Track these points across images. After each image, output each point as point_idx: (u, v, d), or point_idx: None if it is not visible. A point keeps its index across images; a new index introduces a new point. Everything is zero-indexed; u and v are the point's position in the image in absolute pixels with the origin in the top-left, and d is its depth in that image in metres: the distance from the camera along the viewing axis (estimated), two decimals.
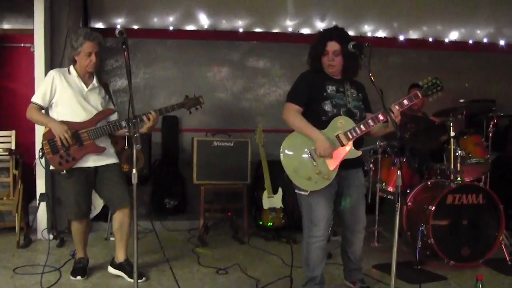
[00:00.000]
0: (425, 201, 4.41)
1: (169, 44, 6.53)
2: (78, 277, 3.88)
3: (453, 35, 6.98)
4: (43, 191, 4.98)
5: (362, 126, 3.25)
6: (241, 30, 6.55)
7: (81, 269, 3.94)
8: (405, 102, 3.31)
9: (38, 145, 4.82)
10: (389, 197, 4.96)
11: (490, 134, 4.92)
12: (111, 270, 4.02)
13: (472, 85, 6.89)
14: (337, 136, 3.25)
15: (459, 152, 4.49)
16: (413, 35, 6.94)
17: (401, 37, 6.90)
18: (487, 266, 4.30)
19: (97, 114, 3.81)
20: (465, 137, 4.77)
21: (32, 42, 5.22)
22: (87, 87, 3.83)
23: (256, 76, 6.75)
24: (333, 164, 3.23)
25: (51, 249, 4.36)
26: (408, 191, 4.71)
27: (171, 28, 6.40)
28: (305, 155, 3.24)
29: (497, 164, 5.40)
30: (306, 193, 3.24)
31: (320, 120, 3.26)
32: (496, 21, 6.92)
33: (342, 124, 3.26)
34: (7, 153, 5.00)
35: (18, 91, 6.18)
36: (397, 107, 3.25)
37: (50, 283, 3.77)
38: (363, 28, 6.75)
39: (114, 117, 3.94)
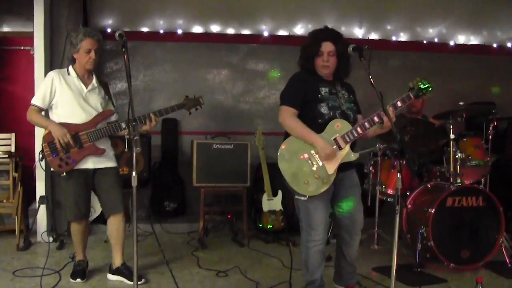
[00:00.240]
0: (425, 203, 4.41)
1: (169, 47, 6.53)
2: (78, 280, 3.88)
3: (455, 38, 6.98)
4: (43, 193, 4.98)
5: (358, 129, 3.23)
6: (241, 32, 6.54)
7: (81, 271, 3.94)
8: (399, 103, 3.31)
9: (37, 148, 4.82)
10: (388, 199, 4.95)
11: (490, 137, 4.91)
12: (110, 276, 4.01)
13: (472, 88, 6.90)
14: (335, 139, 3.22)
15: (459, 154, 4.49)
16: (412, 37, 6.95)
17: (401, 39, 6.90)
18: (487, 269, 4.30)
19: (97, 115, 3.80)
20: (464, 139, 4.76)
21: (32, 45, 5.23)
22: (86, 88, 3.82)
23: (256, 79, 6.75)
24: (332, 168, 3.20)
25: (50, 252, 4.36)
26: (408, 193, 4.71)
27: (171, 31, 6.40)
28: (303, 160, 3.21)
29: (496, 167, 5.41)
30: (305, 198, 3.22)
31: (316, 123, 3.22)
32: (496, 24, 6.94)
33: (339, 127, 3.23)
34: (6, 156, 5.00)
35: (18, 94, 6.18)
36: (391, 108, 3.24)
37: (49, 285, 3.76)
38: (361, 30, 6.75)
39: (114, 118, 3.94)
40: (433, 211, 4.22)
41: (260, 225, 5.32)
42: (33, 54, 5.15)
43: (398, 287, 3.69)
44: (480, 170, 4.83)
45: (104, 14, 6.22)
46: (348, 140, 3.23)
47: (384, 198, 5.01)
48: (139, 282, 3.80)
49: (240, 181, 5.47)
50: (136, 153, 2.88)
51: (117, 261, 3.97)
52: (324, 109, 3.24)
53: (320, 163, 3.19)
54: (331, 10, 6.51)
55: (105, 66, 6.38)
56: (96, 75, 3.92)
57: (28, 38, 5.54)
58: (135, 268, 2.95)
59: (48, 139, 3.68)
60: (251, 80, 6.75)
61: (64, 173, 3.71)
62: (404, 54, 6.89)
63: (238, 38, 6.59)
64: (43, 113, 3.81)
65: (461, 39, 7.01)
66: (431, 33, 6.94)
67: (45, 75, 3.93)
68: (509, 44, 7.11)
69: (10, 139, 5.16)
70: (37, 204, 4.96)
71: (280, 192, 5.29)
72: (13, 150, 5.13)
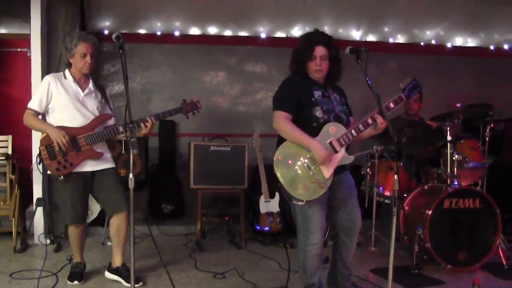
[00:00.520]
0: (422, 205, 4.41)
1: (166, 48, 6.53)
2: (75, 282, 3.87)
3: (452, 40, 7.00)
4: (40, 196, 4.97)
5: (353, 132, 3.22)
6: (238, 34, 6.55)
7: (78, 273, 3.93)
8: (391, 105, 3.31)
9: (35, 150, 4.81)
10: (386, 201, 4.97)
11: (487, 139, 4.93)
12: (108, 275, 4.01)
13: (469, 90, 6.93)
14: (330, 143, 3.21)
15: (456, 156, 4.49)
16: (409, 39, 6.96)
17: (397, 41, 6.92)
18: (484, 270, 4.31)
19: (94, 119, 3.80)
20: (462, 141, 4.77)
21: (29, 47, 5.22)
22: (83, 92, 3.82)
23: (253, 81, 6.76)
24: (328, 172, 3.19)
25: (48, 254, 4.33)
26: (405, 195, 4.72)
27: (168, 33, 6.40)
28: (300, 165, 3.19)
29: (493, 169, 5.42)
30: (303, 203, 3.20)
31: (311, 127, 3.20)
32: (492, 26, 6.97)
33: (333, 130, 3.22)
34: (3, 158, 4.98)
35: (15, 96, 6.18)
36: (384, 110, 3.21)
37: None
38: (358, 32, 6.76)
39: (111, 121, 3.93)
40: (430, 212, 4.23)
41: (258, 227, 5.32)
42: (30, 56, 5.14)
43: None
44: (477, 172, 4.84)
45: (102, 16, 6.22)
46: (344, 143, 3.22)
47: (381, 200, 5.01)
48: (136, 285, 3.79)
49: (237, 183, 5.46)
50: (133, 155, 2.89)
51: (117, 261, 3.96)
52: (318, 112, 3.22)
53: (317, 168, 3.18)
54: (328, 12, 6.53)
55: (102, 68, 6.38)
56: (92, 79, 3.92)
57: (25, 40, 5.53)
58: (132, 270, 2.95)
59: (46, 143, 3.67)
60: (249, 82, 6.75)
61: (62, 177, 3.70)
62: (401, 56, 6.90)
63: (235, 40, 6.60)
64: (40, 117, 3.80)
65: (458, 41, 7.03)
66: (428, 35, 6.96)
67: (42, 77, 3.95)
68: (505, 46, 7.14)
69: (7, 141, 5.14)
70: (34, 206, 4.94)
71: (277, 194, 5.28)
72: (10, 152, 5.10)
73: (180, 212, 6.18)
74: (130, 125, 2.93)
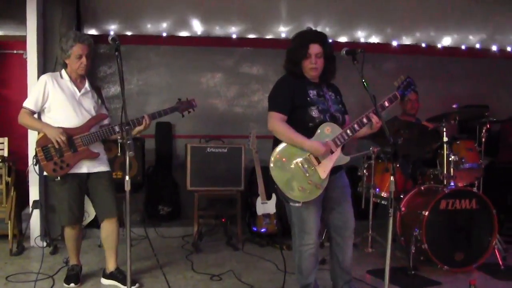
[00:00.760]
0: (418, 206, 4.42)
1: (163, 50, 6.53)
2: (72, 285, 3.86)
3: (446, 41, 7.02)
4: (36, 198, 4.96)
5: (349, 131, 3.20)
6: (234, 36, 6.56)
7: (74, 276, 3.92)
8: (386, 104, 3.30)
9: (31, 152, 4.80)
10: (382, 202, 4.97)
11: (483, 140, 4.94)
12: (103, 281, 3.99)
13: (465, 91, 6.94)
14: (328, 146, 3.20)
15: (452, 157, 4.50)
16: (406, 41, 6.98)
17: (394, 43, 6.93)
18: (480, 271, 4.32)
19: (90, 119, 3.79)
20: (458, 142, 4.79)
21: (25, 49, 5.21)
22: (79, 91, 3.81)
23: (250, 82, 6.76)
24: (324, 173, 3.18)
25: (44, 257, 4.33)
26: (401, 196, 4.72)
27: (164, 34, 6.40)
28: (296, 167, 3.18)
29: (490, 169, 5.43)
30: (299, 205, 3.19)
31: (307, 127, 3.19)
32: (489, 27, 6.98)
33: (329, 130, 3.20)
34: None
35: (11, 98, 6.17)
36: (379, 109, 3.21)
37: None
38: (356, 34, 6.78)
39: (106, 121, 3.92)
40: (426, 213, 4.24)
41: (254, 229, 5.31)
42: (26, 58, 5.13)
43: None
44: (473, 172, 4.86)
45: (98, 17, 6.21)
46: (339, 143, 3.20)
47: (378, 201, 5.02)
48: (133, 287, 3.79)
49: (234, 184, 5.46)
50: (129, 157, 2.88)
51: (110, 266, 3.96)
52: (314, 112, 3.20)
53: (313, 169, 3.18)
54: (328, 13, 6.52)
55: (98, 70, 6.38)
56: (88, 80, 3.91)
57: (21, 41, 5.53)
58: (129, 272, 2.95)
59: (42, 143, 3.65)
60: (245, 84, 6.76)
61: (59, 178, 3.69)
62: (398, 57, 6.91)
63: (232, 41, 6.59)
64: (35, 116, 3.78)
65: (453, 42, 7.04)
66: (424, 36, 6.97)
67: (38, 79, 3.92)
68: (508, 48, 7.16)
69: (3, 143, 5.14)
70: (31, 209, 4.94)
71: (274, 196, 5.28)
72: (6, 154, 5.10)
73: (176, 214, 6.17)
74: (126, 127, 2.93)
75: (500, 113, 6.34)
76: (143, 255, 4.73)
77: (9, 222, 4.82)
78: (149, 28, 6.38)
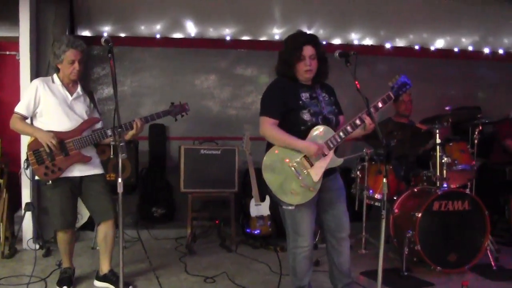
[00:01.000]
0: (411, 208, 4.43)
1: (157, 52, 6.52)
2: (64, 287, 3.84)
3: (439, 43, 7.05)
4: (29, 200, 4.93)
5: (341, 134, 3.19)
6: (228, 38, 6.56)
7: (67, 279, 3.90)
8: (380, 104, 3.26)
9: (23, 153, 4.78)
10: (376, 204, 4.98)
11: (476, 141, 4.97)
12: (96, 283, 3.98)
13: (458, 93, 6.98)
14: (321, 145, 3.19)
15: (445, 159, 4.53)
16: (400, 43, 7.01)
17: (388, 45, 6.96)
18: (473, 272, 4.34)
19: (82, 123, 3.77)
20: (451, 144, 4.82)
21: (18, 50, 5.19)
22: (71, 96, 3.79)
23: (244, 84, 6.76)
24: (317, 176, 3.17)
25: (37, 259, 4.31)
26: (395, 198, 4.74)
27: (158, 36, 6.40)
28: (288, 170, 3.17)
29: (482, 171, 5.46)
30: (293, 207, 3.19)
31: (299, 130, 3.18)
32: (481, 29, 7.02)
33: (321, 133, 3.19)
34: None
35: (4, 99, 6.13)
36: (372, 110, 3.18)
37: None
38: (350, 36, 6.80)
39: (99, 125, 3.91)
40: (419, 215, 4.25)
41: (248, 231, 5.31)
42: (19, 59, 5.11)
43: None
44: (466, 174, 4.88)
45: (92, 19, 6.19)
46: (332, 146, 3.19)
47: (372, 203, 5.03)
48: None
49: (228, 186, 5.46)
50: (122, 159, 2.88)
51: (104, 268, 3.94)
52: (306, 115, 3.19)
53: (305, 172, 3.18)
54: (322, 15, 6.53)
55: (92, 72, 6.36)
56: (81, 84, 3.89)
57: (14, 43, 5.50)
58: (121, 275, 2.94)
59: (33, 147, 3.64)
60: (239, 86, 6.76)
61: (50, 182, 3.67)
62: (391, 59, 6.93)
63: (226, 43, 6.59)
64: (28, 121, 3.76)
65: (446, 44, 7.07)
66: (419, 38, 6.99)
67: (31, 80, 3.91)
68: (500, 51, 7.20)
69: None
70: (23, 211, 4.90)
71: (268, 197, 5.29)
72: None
73: (170, 216, 6.15)
74: (119, 129, 2.92)
75: (493, 114, 6.38)
76: (137, 257, 4.71)
77: (1, 224, 4.79)
78: (143, 29, 6.37)
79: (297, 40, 3.27)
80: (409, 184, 5.00)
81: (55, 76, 3.80)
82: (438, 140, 4.57)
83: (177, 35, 6.45)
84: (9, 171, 5.07)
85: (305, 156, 3.17)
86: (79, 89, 3.85)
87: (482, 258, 4.39)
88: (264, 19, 6.48)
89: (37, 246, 4.85)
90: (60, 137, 3.65)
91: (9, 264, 4.52)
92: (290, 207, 3.20)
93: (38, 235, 4.98)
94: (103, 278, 3.94)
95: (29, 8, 5.00)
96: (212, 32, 6.52)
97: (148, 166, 6.30)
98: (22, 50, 5.04)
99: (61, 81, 3.78)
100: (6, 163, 5.05)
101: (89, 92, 3.97)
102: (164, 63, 6.56)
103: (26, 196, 4.98)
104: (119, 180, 2.87)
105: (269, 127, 3.21)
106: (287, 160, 3.18)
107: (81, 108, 3.82)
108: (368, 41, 6.90)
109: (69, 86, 3.81)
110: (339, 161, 3.27)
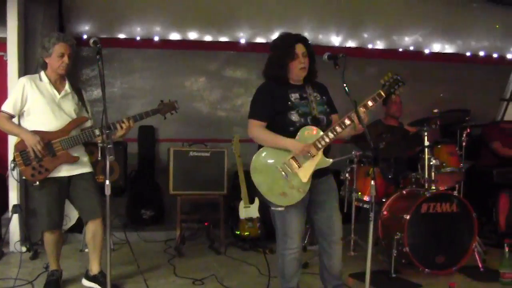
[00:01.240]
0: (400, 210, 4.44)
1: (146, 54, 6.50)
2: None
3: (431, 46, 7.09)
4: (16, 202, 4.89)
5: (330, 134, 3.17)
6: (218, 40, 6.56)
7: (54, 282, 3.87)
8: (370, 103, 3.21)
9: (11, 155, 4.73)
10: (365, 206, 4.99)
11: (464, 144, 5.00)
12: (85, 282, 3.96)
13: (447, 96, 7.03)
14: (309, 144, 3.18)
15: (434, 161, 4.55)
16: (389, 45, 7.03)
17: (377, 47, 6.98)
18: (461, 273, 4.37)
19: (70, 122, 3.74)
20: (439, 146, 4.85)
21: (5, 50, 5.14)
22: (59, 94, 3.76)
23: (234, 86, 6.76)
24: (305, 176, 3.17)
25: (24, 262, 4.28)
26: (383, 200, 4.75)
27: (148, 37, 6.37)
28: (276, 171, 3.17)
29: (470, 173, 5.49)
30: (282, 209, 3.19)
31: (288, 131, 3.18)
32: (472, 33, 7.09)
33: (309, 134, 3.18)
34: None
35: None
36: (362, 109, 3.16)
37: None
38: (337, 38, 6.82)
39: (89, 124, 3.88)
40: (408, 217, 4.27)
41: (237, 233, 5.31)
42: (6, 60, 5.07)
43: None
44: (454, 176, 4.91)
45: (81, 20, 6.16)
46: (320, 146, 3.17)
47: (361, 205, 5.04)
48: None
49: (217, 188, 5.44)
50: (111, 161, 2.86)
51: (94, 269, 3.91)
52: (294, 116, 3.19)
53: (293, 173, 3.18)
54: (308, 18, 6.56)
55: (81, 73, 6.32)
56: (69, 81, 3.86)
57: (2, 43, 5.45)
58: (109, 277, 2.93)
59: (20, 148, 3.61)
60: (229, 88, 6.76)
61: (37, 182, 3.64)
62: (380, 62, 6.95)
63: (216, 45, 6.59)
64: (15, 120, 3.73)
65: (436, 47, 7.12)
66: (407, 41, 7.04)
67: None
68: (481, 53, 7.25)
69: None
70: (10, 213, 4.86)
71: (257, 200, 5.28)
72: None
73: (159, 218, 6.13)
74: (107, 131, 2.91)
75: (481, 117, 6.44)
76: (125, 259, 4.68)
77: None
78: (133, 31, 6.34)
79: (288, 40, 3.27)
80: (398, 186, 5.02)
81: (42, 73, 3.77)
82: (426, 143, 4.59)
83: (167, 37, 6.44)
84: None
85: (293, 157, 3.17)
86: (67, 86, 3.82)
87: (469, 259, 4.41)
88: (252, 21, 6.49)
89: (24, 249, 4.81)
90: (48, 137, 3.63)
91: None
92: (279, 209, 3.20)
93: (25, 238, 4.94)
94: (93, 279, 3.91)
95: (17, 8, 4.96)
96: (201, 34, 6.51)
97: (137, 168, 6.28)
98: (10, 51, 5.00)
99: (49, 78, 3.75)
100: None
101: (77, 89, 3.94)
102: (154, 64, 6.54)
103: (13, 198, 4.93)
104: (107, 182, 2.86)
105: (256, 129, 3.23)
106: (275, 161, 3.18)
107: (69, 107, 3.79)
108: (355, 43, 6.92)
109: (57, 84, 3.78)
110: (329, 161, 3.25)
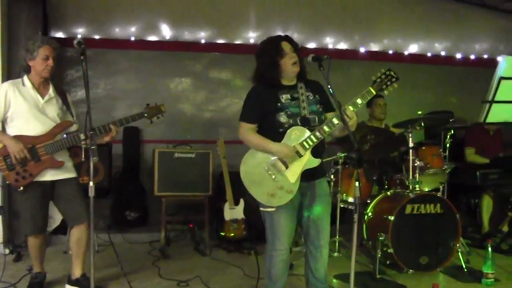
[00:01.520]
0: (384, 211, 4.47)
1: (131, 54, 6.47)
2: None
3: (413, 48, 7.16)
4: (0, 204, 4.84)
5: (317, 133, 3.15)
6: (203, 41, 6.55)
7: (38, 284, 3.84)
8: (359, 101, 3.17)
9: None
10: (349, 207, 5.02)
11: (448, 145, 5.04)
12: (68, 287, 3.92)
13: (431, 98, 7.09)
14: (294, 148, 3.16)
15: (418, 162, 4.59)
16: (374, 47, 7.08)
17: (362, 49, 7.03)
18: (444, 274, 4.40)
19: (55, 127, 3.70)
20: (423, 148, 4.88)
21: None
22: (43, 99, 3.72)
23: (218, 88, 6.76)
24: (293, 177, 3.16)
25: (7, 264, 4.24)
26: (368, 201, 4.78)
27: (133, 38, 6.36)
28: (265, 172, 3.18)
29: (454, 175, 5.53)
30: (273, 209, 3.19)
31: (277, 133, 3.18)
32: (453, 36, 7.16)
33: (297, 134, 3.17)
34: None
35: None
36: (351, 107, 3.14)
37: None
38: (324, 40, 6.85)
39: (73, 128, 3.85)
40: (392, 218, 4.29)
41: (222, 234, 5.30)
42: None
43: None
44: (438, 177, 4.95)
45: (66, 20, 6.13)
46: (308, 146, 3.15)
47: (345, 206, 5.07)
48: None
49: (202, 190, 5.43)
50: (95, 162, 2.84)
51: (76, 272, 3.88)
52: (283, 118, 3.18)
53: (282, 174, 3.18)
54: (297, 20, 6.57)
55: (65, 74, 6.28)
56: (53, 84, 3.82)
57: None
58: (92, 279, 2.90)
59: (3, 153, 3.57)
60: (214, 89, 6.76)
61: (21, 188, 3.60)
62: (366, 64, 6.99)
63: (200, 46, 6.58)
64: None
65: (419, 49, 7.18)
66: (393, 43, 7.09)
67: (2, 82, 3.83)
68: (472, 56, 7.33)
69: None
70: None
71: (242, 201, 5.28)
72: None
73: (144, 220, 6.10)
74: (91, 133, 2.89)
75: (465, 119, 6.50)
76: (109, 261, 4.64)
77: None
78: (118, 32, 6.34)
79: (273, 40, 3.29)
80: (383, 188, 5.05)
81: (25, 78, 3.72)
82: (411, 144, 4.63)
83: (152, 38, 6.43)
84: None
85: (279, 158, 3.18)
86: (51, 90, 3.78)
87: (453, 260, 4.46)
88: (239, 22, 6.49)
89: (8, 251, 4.76)
90: (32, 142, 3.59)
91: None
92: (269, 209, 3.20)
93: (8, 240, 4.89)
94: (75, 283, 3.87)
95: (0, 9, 4.90)
96: (187, 35, 6.51)
97: (122, 169, 6.24)
98: None
99: (32, 83, 3.71)
100: None
101: (61, 92, 3.90)
102: (138, 65, 6.51)
103: None
104: (91, 183, 2.84)
105: (245, 132, 3.24)
106: (262, 163, 3.18)
107: (53, 112, 3.75)
108: (342, 45, 6.96)
109: (40, 88, 3.74)
110: (317, 161, 3.23)
